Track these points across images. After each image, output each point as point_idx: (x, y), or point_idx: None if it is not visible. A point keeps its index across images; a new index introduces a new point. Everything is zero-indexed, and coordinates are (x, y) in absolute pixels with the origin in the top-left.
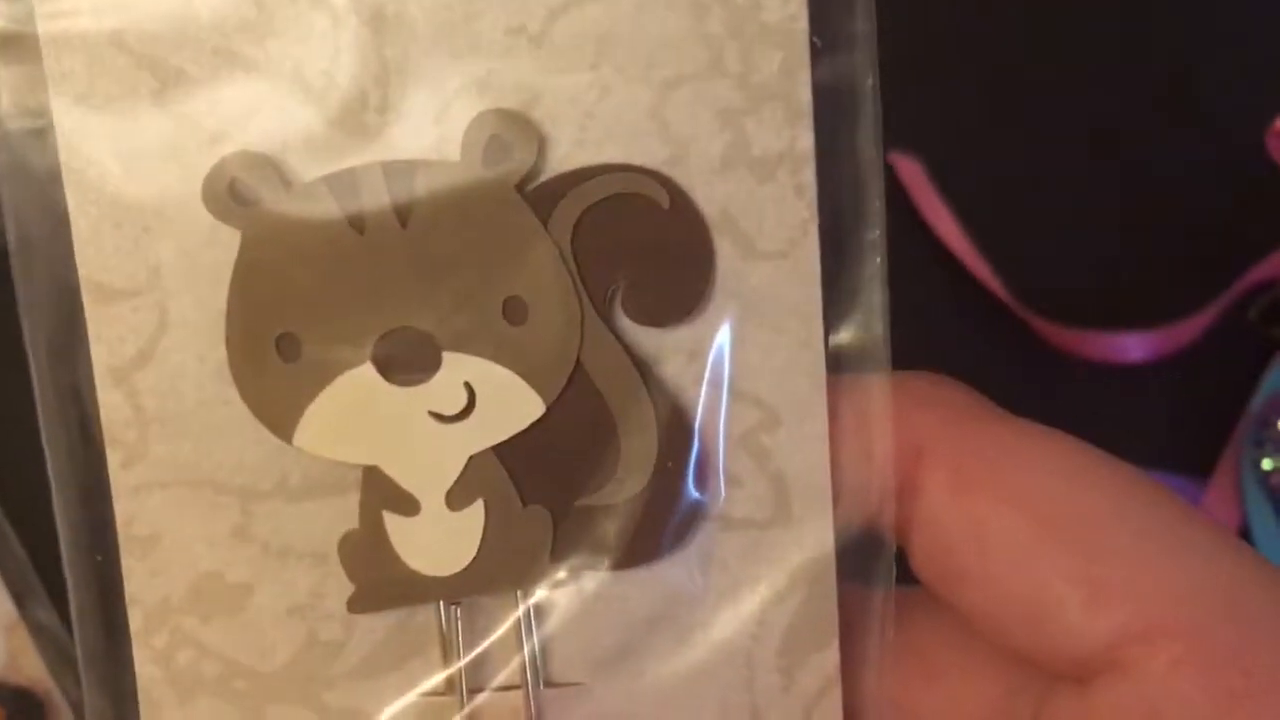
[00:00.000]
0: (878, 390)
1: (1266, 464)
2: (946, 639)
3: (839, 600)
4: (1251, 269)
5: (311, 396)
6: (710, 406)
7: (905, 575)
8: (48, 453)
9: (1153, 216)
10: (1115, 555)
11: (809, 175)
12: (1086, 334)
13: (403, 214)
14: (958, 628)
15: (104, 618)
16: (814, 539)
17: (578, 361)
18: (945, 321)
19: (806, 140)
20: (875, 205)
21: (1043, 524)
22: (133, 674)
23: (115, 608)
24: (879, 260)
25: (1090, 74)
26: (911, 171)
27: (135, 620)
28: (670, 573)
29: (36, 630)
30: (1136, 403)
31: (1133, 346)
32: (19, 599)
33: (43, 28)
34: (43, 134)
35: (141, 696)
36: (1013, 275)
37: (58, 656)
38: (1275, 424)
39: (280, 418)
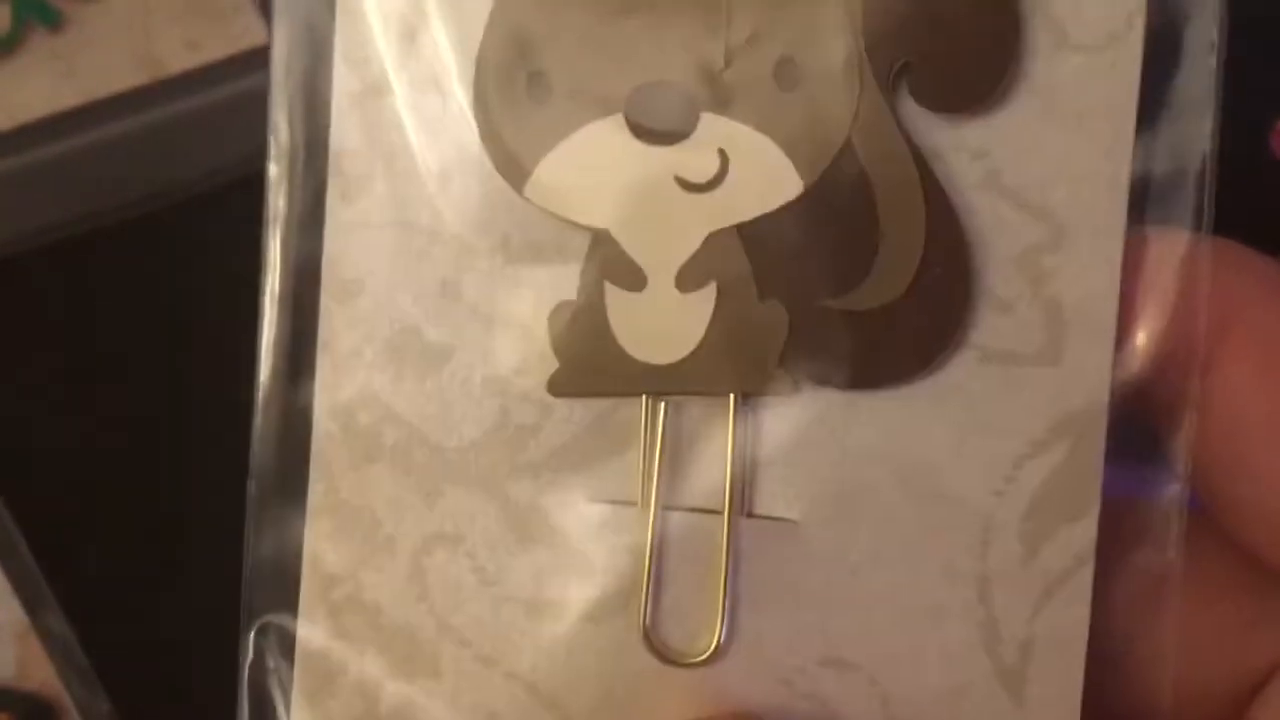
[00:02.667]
0: (1192, 236)
1: None
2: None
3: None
4: None
5: (552, 144)
6: (991, 214)
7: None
8: (270, 182)
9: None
10: None
11: None
12: None
13: None
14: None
15: (290, 362)
16: (1086, 384)
17: (847, 140)
18: None
19: None
20: (1213, 4)
21: None
22: (306, 428)
23: (302, 356)
24: (1212, 71)
25: None
26: None
27: (323, 368)
28: (910, 403)
29: (46, 637)
30: None
31: None
32: (29, 606)
33: None
34: None
35: (314, 453)
36: None
37: (67, 663)
38: None
39: (516, 163)
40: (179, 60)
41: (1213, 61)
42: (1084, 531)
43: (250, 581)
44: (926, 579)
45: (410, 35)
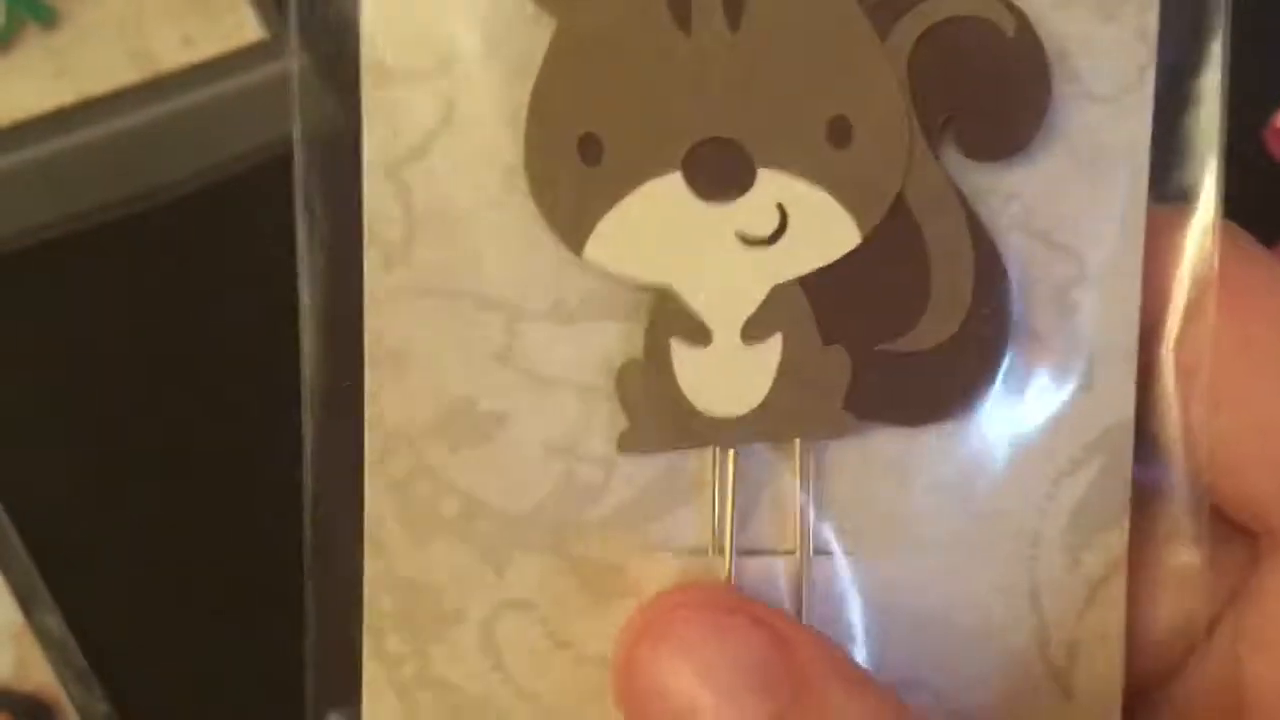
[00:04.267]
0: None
1: None
2: None
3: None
4: None
5: (610, 204)
6: (1026, 253)
7: None
8: (302, 256)
9: None
10: None
11: (1152, 17)
12: None
13: (734, 15)
14: None
15: (337, 447)
16: (1115, 406)
17: (900, 192)
18: None
19: None
20: (1216, 51)
21: None
22: (359, 505)
23: (352, 437)
24: (1217, 111)
25: None
26: None
27: (372, 444)
28: (962, 433)
29: (43, 636)
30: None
31: None
32: (25, 605)
33: None
34: None
35: (367, 535)
36: None
37: (64, 663)
38: None
39: (573, 225)
40: (174, 57)
41: (1216, 108)
42: (1119, 538)
43: (312, 673)
44: (984, 594)
45: (449, 100)
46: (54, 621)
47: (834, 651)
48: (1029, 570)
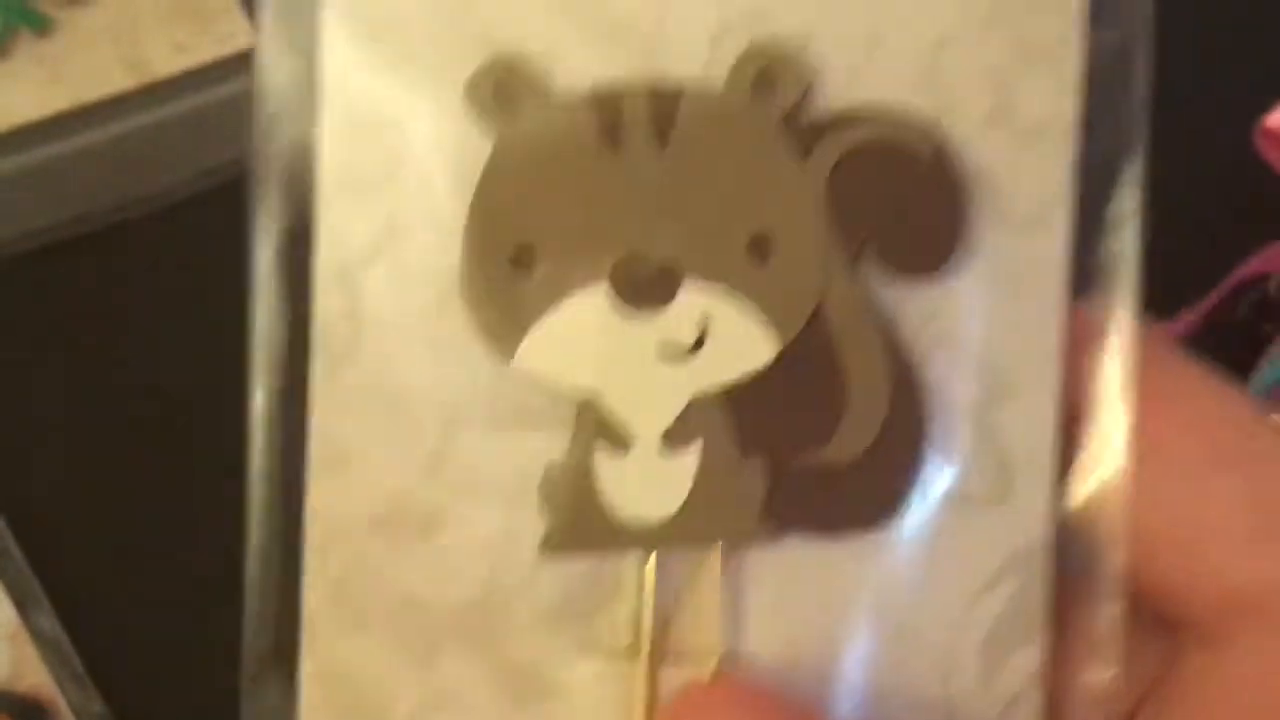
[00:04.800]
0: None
1: None
2: None
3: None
4: (1241, 265)
5: (540, 314)
6: (944, 371)
7: None
8: (254, 354)
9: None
10: None
11: (1070, 147)
12: None
13: (662, 135)
14: None
15: (279, 537)
16: (1032, 524)
17: (818, 308)
18: None
19: (1072, 111)
20: (1134, 178)
21: (1219, 450)
22: (296, 600)
23: (292, 528)
24: (1133, 236)
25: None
26: None
27: (312, 538)
28: (879, 545)
29: (38, 637)
30: None
31: None
32: (20, 606)
33: None
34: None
35: (305, 625)
36: None
37: (60, 663)
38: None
39: (505, 334)
40: (167, 64)
41: (1132, 233)
42: (1034, 655)
43: None
44: (898, 709)
45: (391, 212)
46: (49, 622)
47: None
48: (943, 686)
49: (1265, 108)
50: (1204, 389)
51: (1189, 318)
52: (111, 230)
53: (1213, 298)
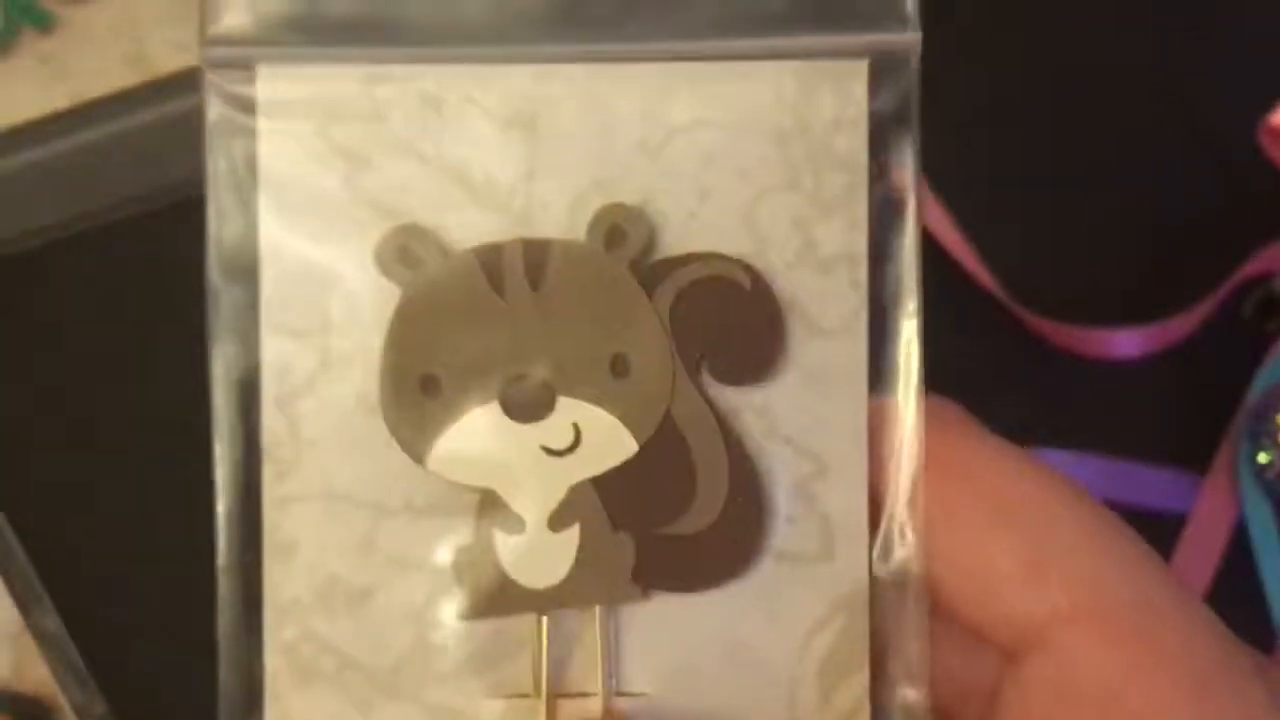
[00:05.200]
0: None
1: (1262, 458)
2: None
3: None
4: (1245, 264)
5: (445, 428)
6: (774, 456)
7: None
8: (217, 464)
9: (1147, 212)
10: (1053, 545)
11: (862, 272)
12: (1081, 330)
13: (535, 281)
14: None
15: (244, 611)
16: (852, 573)
17: (667, 411)
18: (939, 316)
19: (861, 245)
20: (914, 292)
21: (999, 511)
22: (260, 662)
23: (253, 603)
24: (914, 337)
25: (1083, 71)
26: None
27: (269, 615)
28: (729, 597)
29: (41, 638)
30: (1132, 398)
31: (1127, 342)
32: (23, 607)
33: (262, 122)
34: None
35: (267, 683)
36: (1006, 271)
37: (62, 663)
38: (1271, 418)
39: (417, 445)
40: (169, 61)
41: (914, 334)
42: (861, 680)
43: None
44: None
45: (326, 349)
46: (52, 622)
47: None
48: (789, 708)
49: (1270, 106)
50: (988, 457)
51: (1193, 316)
52: (113, 227)
53: (1217, 296)
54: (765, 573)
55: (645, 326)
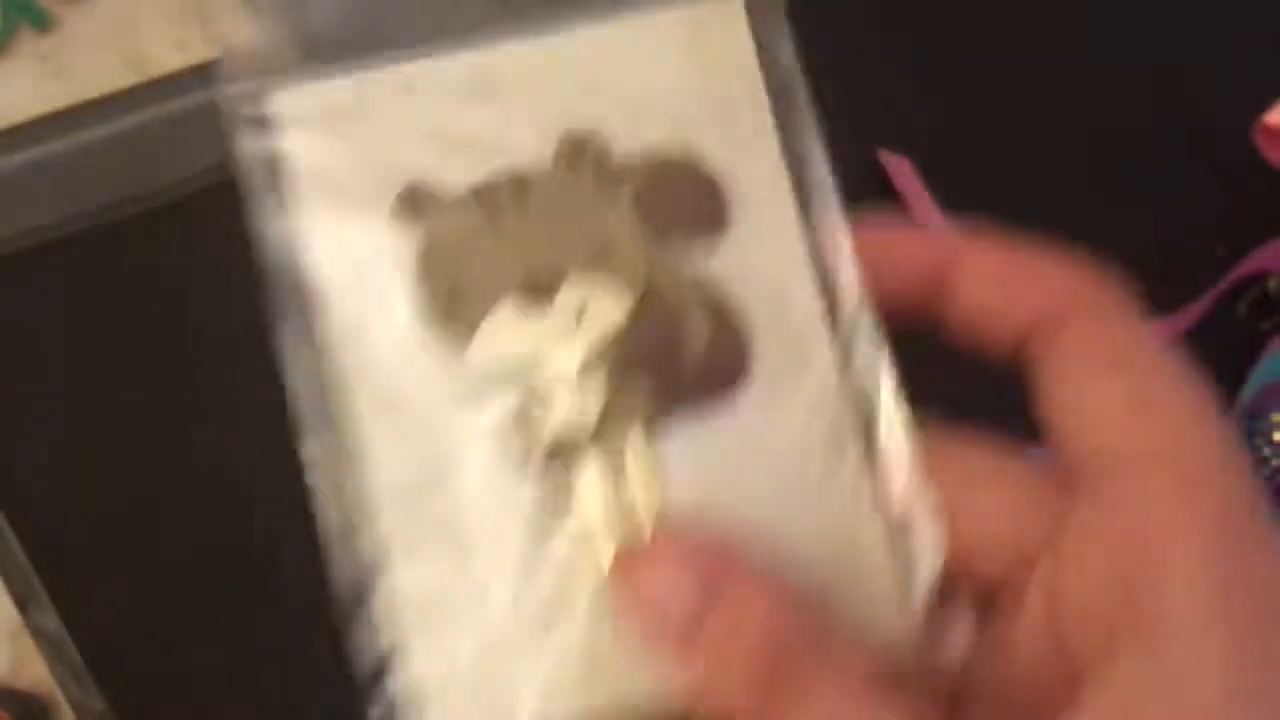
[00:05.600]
0: None
1: (1258, 454)
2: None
3: None
4: (1239, 263)
5: (478, 328)
6: (740, 292)
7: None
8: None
9: (1143, 211)
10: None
11: (774, 142)
12: None
13: (523, 204)
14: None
15: (342, 510)
16: (823, 368)
17: (647, 276)
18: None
19: (768, 123)
20: (813, 130)
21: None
22: (363, 550)
23: (350, 501)
24: (823, 160)
25: (1079, 72)
26: (901, 169)
27: (367, 505)
28: (732, 407)
29: (39, 635)
30: None
31: None
32: (21, 604)
33: (280, 134)
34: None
35: (374, 563)
36: None
37: (61, 661)
38: (1265, 416)
39: (460, 345)
40: (167, 61)
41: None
42: (857, 452)
43: None
44: (772, 503)
45: (366, 293)
46: (50, 620)
47: None
48: (800, 478)
49: (1264, 106)
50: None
51: (1188, 315)
52: (111, 227)
53: (1212, 295)
54: (756, 382)
55: (617, 219)
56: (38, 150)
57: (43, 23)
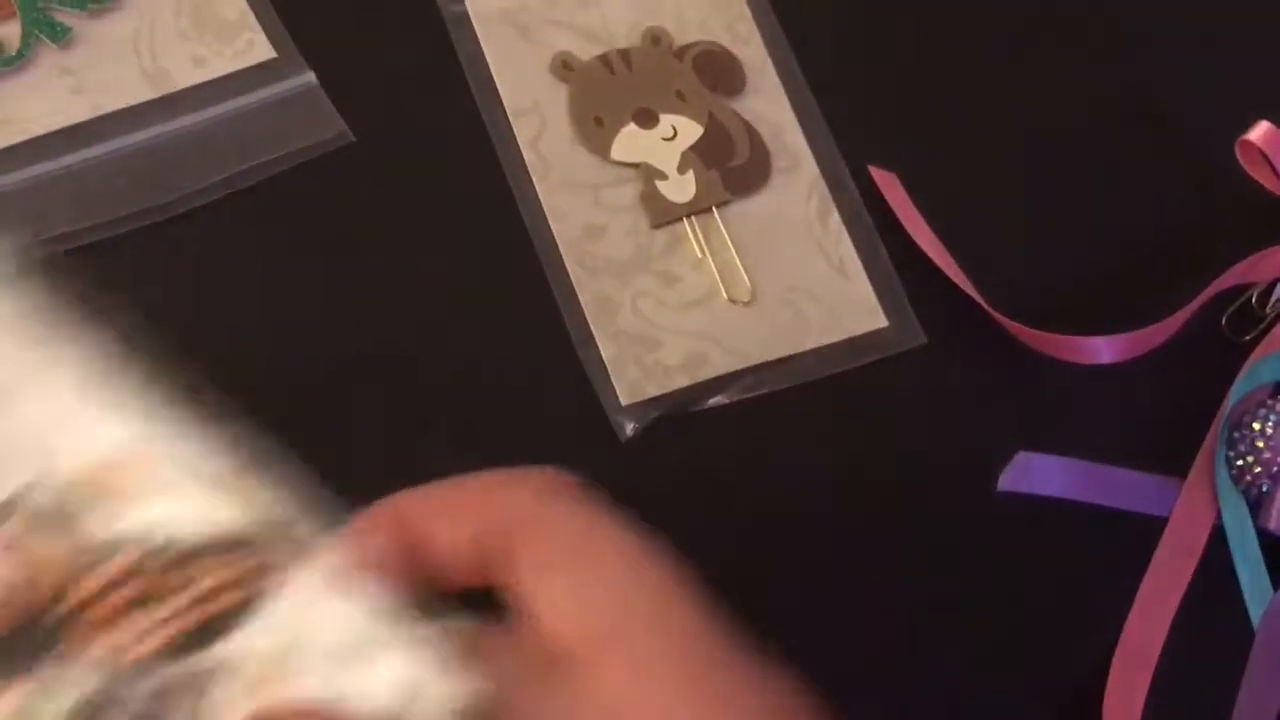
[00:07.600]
0: None
1: (1239, 463)
2: None
3: None
4: (1221, 275)
5: (612, 139)
6: (761, 127)
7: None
8: (512, 186)
9: (1125, 223)
10: (596, 581)
11: (759, 37)
12: (1060, 337)
13: (628, 66)
14: None
15: (557, 269)
16: (811, 170)
17: (710, 112)
18: (922, 324)
19: (755, 33)
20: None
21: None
22: (575, 289)
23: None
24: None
25: (1064, 85)
26: (888, 181)
27: (563, 259)
28: (765, 195)
29: None
30: (1113, 405)
31: (1104, 349)
32: None
33: (476, 23)
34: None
35: (573, 282)
36: (987, 280)
37: None
38: (1247, 425)
39: (603, 151)
40: (186, 76)
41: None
42: (851, 198)
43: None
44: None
45: (541, 120)
46: None
47: None
48: (808, 230)
49: (1246, 123)
50: (568, 518)
51: (1171, 326)
52: (129, 238)
53: (1195, 306)
54: (777, 180)
55: (686, 76)
56: (58, 162)
57: (62, 37)
